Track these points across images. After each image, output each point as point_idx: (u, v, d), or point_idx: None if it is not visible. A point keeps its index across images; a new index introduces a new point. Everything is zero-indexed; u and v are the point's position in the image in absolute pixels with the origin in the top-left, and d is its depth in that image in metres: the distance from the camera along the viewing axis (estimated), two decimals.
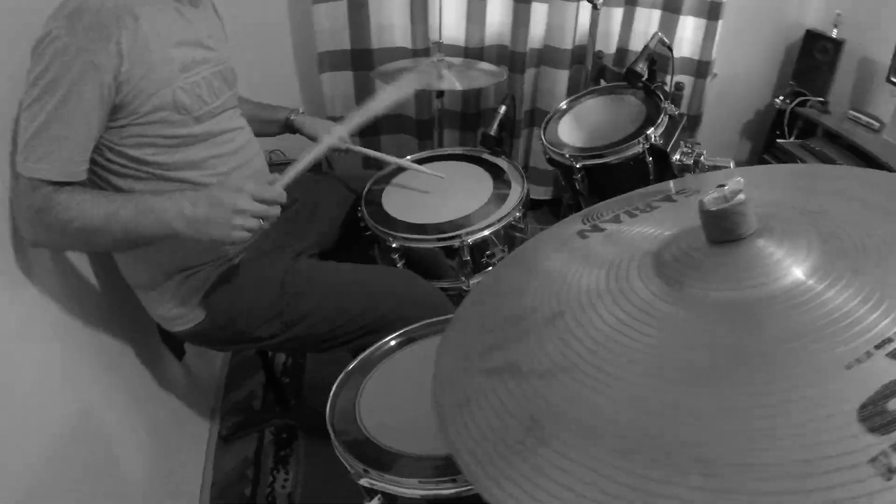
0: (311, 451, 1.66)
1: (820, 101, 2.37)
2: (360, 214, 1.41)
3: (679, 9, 2.21)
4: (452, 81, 1.62)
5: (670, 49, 1.36)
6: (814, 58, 2.38)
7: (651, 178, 1.27)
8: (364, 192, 1.46)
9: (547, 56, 2.24)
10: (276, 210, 1.00)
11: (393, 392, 0.93)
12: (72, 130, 0.93)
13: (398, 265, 1.31)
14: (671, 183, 0.76)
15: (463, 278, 1.34)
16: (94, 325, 1.18)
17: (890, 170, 2.00)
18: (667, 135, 1.20)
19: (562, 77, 2.25)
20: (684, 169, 1.20)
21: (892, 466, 0.33)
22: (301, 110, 1.48)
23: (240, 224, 0.95)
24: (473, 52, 2.18)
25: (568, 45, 2.18)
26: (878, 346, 0.40)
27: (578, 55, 2.26)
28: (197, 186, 1.07)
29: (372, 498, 0.79)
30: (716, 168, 1.18)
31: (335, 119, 2.17)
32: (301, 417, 1.69)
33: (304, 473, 1.57)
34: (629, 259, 0.58)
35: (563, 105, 1.48)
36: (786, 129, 2.44)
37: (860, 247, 0.50)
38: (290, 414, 1.70)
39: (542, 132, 1.42)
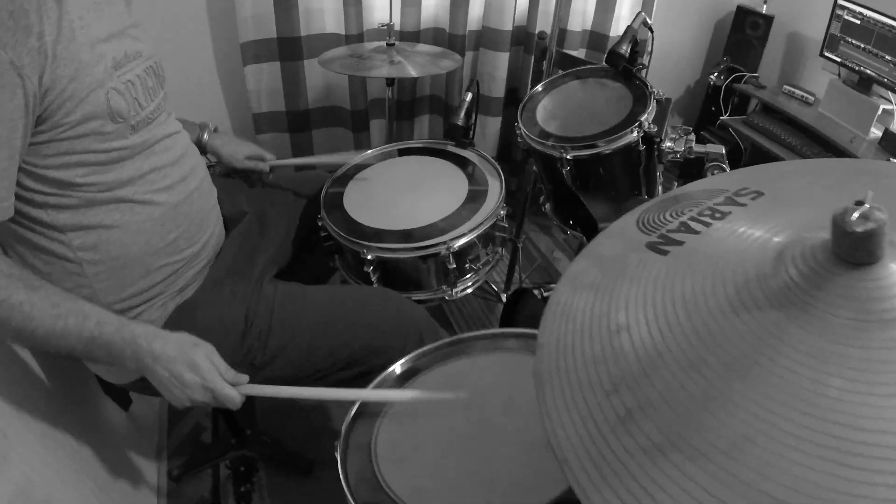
0: (275, 484, 1.55)
1: (754, 77, 2.45)
2: (320, 223, 1.26)
3: None
4: (406, 69, 1.48)
5: (651, 30, 1.31)
6: (745, 33, 2.44)
7: (641, 167, 1.22)
8: (322, 197, 1.30)
9: (486, 38, 2.16)
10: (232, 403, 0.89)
11: (416, 442, 0.79)
12: None
13: (372, 278, 1.18)
14: (712, 182, 0.69)
15: (445, 287, 1.23)
16: (23, 387, 1.00)
17: (830, 144, 2.10)
18: (657, 120, 1.15)
19: (502, 60, 2.17)
20: (675, 156, 1.16)
21: None
22: (213, 127, 1.31)
23: (194, 400, 0.87)
24: (409, 36, 2.07)
25: (508, 27, 2.11)
26: None
27: (518, 36, 2.21)
28: (134, 206, 0.92)
29: None
30: (706, 156, 1.14)
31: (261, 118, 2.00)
32: (259, 448, 1.54)
33: None
34: (739, 268, 0.50)
35: (539, 88, 1.39)
36: (721, 104, 2.50)
37: None
38: (247, 445, 1.54)
39: (518, 120, 1.32)
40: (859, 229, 0.43)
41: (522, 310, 1.40)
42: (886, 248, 0.45)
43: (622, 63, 1.23)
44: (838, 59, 2.20)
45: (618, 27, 2.28)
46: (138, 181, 0.93)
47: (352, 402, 0.84)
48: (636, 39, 1.22)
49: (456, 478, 0.73)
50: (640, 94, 1.24)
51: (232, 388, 0.87)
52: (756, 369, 0.44)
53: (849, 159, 0.70)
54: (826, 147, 2.13)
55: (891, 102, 2.09)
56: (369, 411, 0.84)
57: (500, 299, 1.94)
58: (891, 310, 0.43)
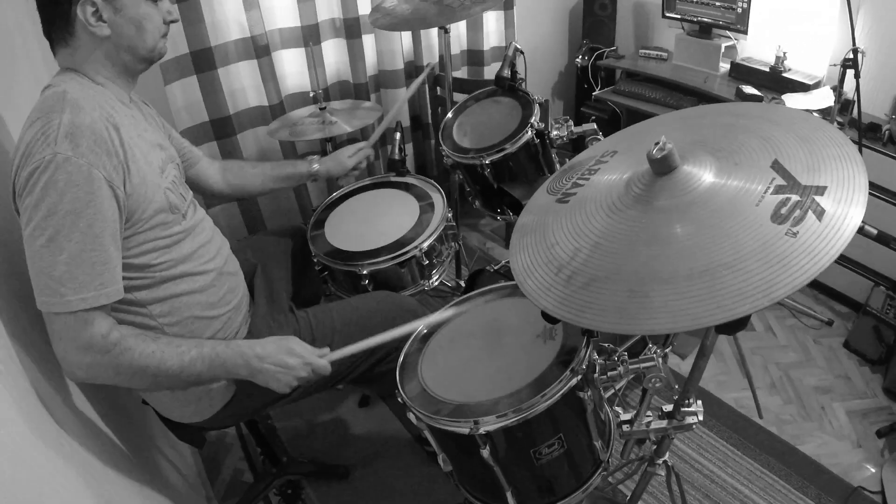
0: (322, 495, 1.82)
1: (613, 50, 2.90)
2: (315, 258, 1.61)
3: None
4: (342, 127, 1.86)
5: (522, 52, 1.76)
6: (596, 15, 2.91)
7: (540, 154, 1.65)
8: (310, 240, 1.65)
9: (384, 79, 2.55)
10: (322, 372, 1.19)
11: (448, 360, 1.17)
12: (106, 252, 0.97)
13: (368, 288, 1.54)
14: (588, 153, 1.12)
15: (422, 280, 1.61)
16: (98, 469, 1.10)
17: (688, 89, 2.58)
18: (542, 118, 1.59)
19: (401, 94, 2.55)
20: (562, 140, 1.60)
21: (794, 231, 0.69)
22: (317, 157, 1.64)
23: (300, 378, 1.15)
24: (320, 95, 2.41)
25: (400, 66, 2.50)
26: (765, 192, 0.77)
27: (409, 71, 2.60)
28: (194, 276, 1.18)
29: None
30: (584, 133, 1.59)
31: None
32: (298, 469, 1.81)
33: None
34: (607, 197, 0.92)
35: (450, 115, 1.81)
36: (592, 81, 2.96)
37: (732, 150, 0.88)
38: (287, 470, 1.81)
39: (441, 144, 1.74)
40: (658, 156, 0.85)
41: (478, 288, 1.78)
42: (677, 162, 0.86)
43: (507, 83, 1.67)
44: (679, 16, 2.67)
45: (489, 41, 2.72)
46: (193, 257, 1.18)
47: (409, 333, 1.23)
48: (513, 62, 1.66)
49: (474, 372, 1.12)
50: (526, 102, 1.68)
51: (321, 359, 1.18)
52: (629, 236, 0.83)
53: (668, 114, 1.09)
54: (686, 92, 2.59)
55: (730, 38, 2.59)
56: (413, 350, 1.21)
57: (460, 285, 2.33)
58: (680, 192, 0.84)
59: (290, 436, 1.97)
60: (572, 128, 1.61)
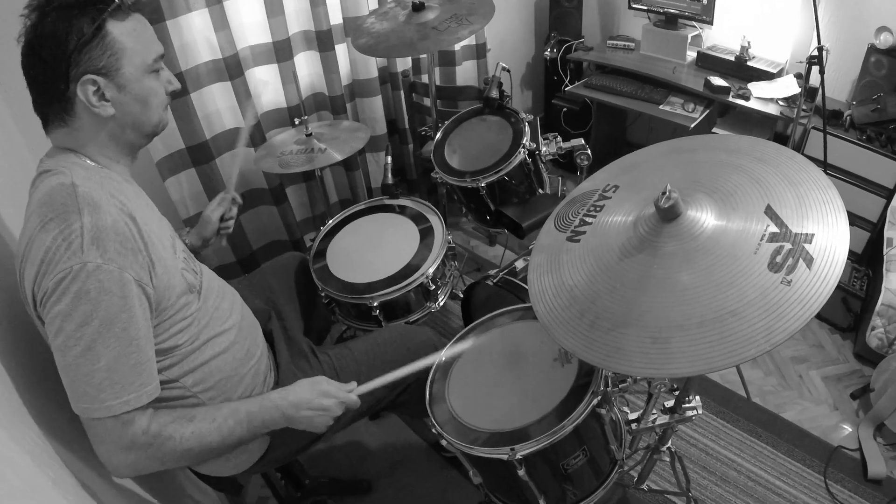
0: None
1: (580, 41, 2.99)
2: (322, 293, 1.70)
3: None
4: (332, 156, 1.92)
5: (508, 71, 1.85)
6: (562, 6, 3.00)
7: (532, 172, 1.77)
8: (315, 275, 1.73)
9: (358, 89, 2.60)
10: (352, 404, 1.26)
11: (471, 386, 1.31)
12: (143, 352, 0.98)
13: (380, 317, 1.65)
14: (589, 184, 1.24)
15: (429, 303, 1.72)
16: None
17: (659, 81, 2.69)
18: (532, 137, 1.70)
19: (377, 102, 2.63)
20: (552, 156, 1.72)
21: (787, 280, 0.84)
22: (186, 230, 1.58)
23: (335, 417, 1.22)
24: (295, 111, 2.44)
25: (374, 74, 2.56)
26: (761, 239, 0.91)
27: (383, 77, 2.67)
28: (217, 339, 1.20)
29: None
30: (572, 148, 1.71)
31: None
32: (322, 489, 1.91)
33: None
34: (616, 239, 1.04)
35: (439, 136, 1.90)
36: (561, 73, 3.05)
37: (728, 192, 1.00)
38: (311, 492, 1.89)
39: (435, 167, 1.83)
40: (665, 206, 0.97)
41: (475, 300, 1.92)
42: (682, 210, 0.99)
43: (496, 103, 1.77)
44: (644, 7, 2.78)
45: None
46: (213, 321, 1.19)
47: (427, 371, 1.34)
48: (500, 82, 1.76)
49: (500, 398, 1.25)
50: (515, 121, 1.78)
51: (350, 394, 1.25)
52: (642, 281, 0.96)
53: (659, 145, 1.21)
54: (655, 83, 2.71)
55: (696, 28, 2.70)
56: (438, 378, 1.33)
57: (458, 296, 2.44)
58: (686, 237, 0.98)
59: (307, 457, 2.05)
60: (560, 143, 1.73)
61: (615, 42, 2.96)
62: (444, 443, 1.23)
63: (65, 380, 0.95)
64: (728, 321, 0.84)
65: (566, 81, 3.03)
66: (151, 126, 1.11)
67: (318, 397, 1.20)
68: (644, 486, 1.64)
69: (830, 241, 0.87)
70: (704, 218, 0.97)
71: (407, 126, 2.82)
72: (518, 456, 1.13)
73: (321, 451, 2.09)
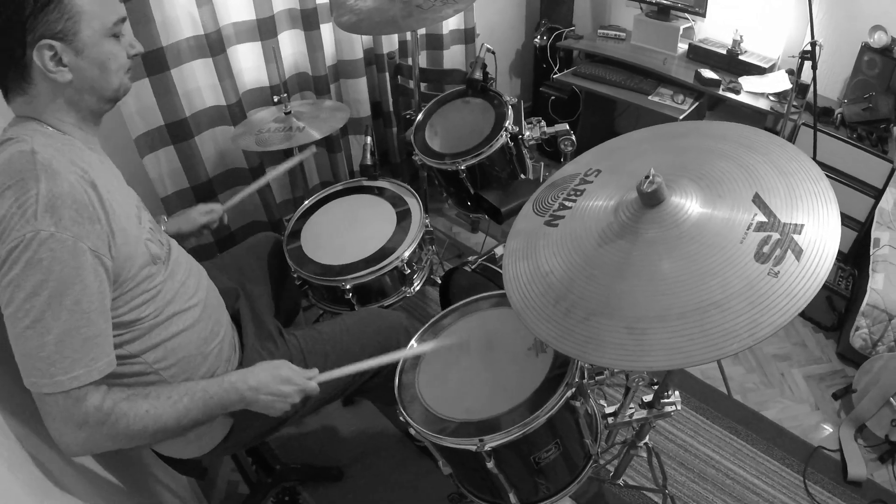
0: (319, 497, 1.89)
1: (571, 29, 2.95)
2: (295, 275, 1.64)
3: None
4: (310, 134, 1.85)
5: (493, 52, 1.79)
6: None
7: (514, 157, 1.71)
8: (287, 256, 1.68)
9: (343, 69, 2.54)
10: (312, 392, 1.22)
11: (443, 375, 1.26)
12: (95, 326, 0.95)
13: (353, 300, 1.59)
14: (571, 168, 1.18)
15: (404, 288, 1.67)
16: None
17: (648, 72, 2.65)
18: (515, 120, 1.64)
19: (361, 84, 2.57)
20: (535, 141, 1.66)
21: (774, 271, 0.79)
22: (164, 217, 1.55)
23: (294, 404, 1.19)
24: (277, 89, 2.37)
25: (359, 55, 2.51)
26: (748, 228, 0.86)
27: (368, 59, 2.61)
28: (182, 315, 1.17)
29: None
30: (556, 134, 1.65)
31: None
32: (293, 475, 1.87)
33: None
34: (597, 224, 0.99)
35: (420, 118, 1.84)
36: (550, 60, 3.01)
37: (715, 179, 0.95)
38: (282, 478, 1.86)
39: (414, 149, 1.77)
40: (648, 190, 0.92)
41: (454, 286, 1.87)
42: (666, 195, 0.94)
43: (479, 85, 1.71)
44: None
45: (448, 24, 2.73)
46: (178, 296, 1.16)
47: (395, 362, 1.29)
48: (484, 63, 1.70)
49: (471, 387, 1.21)
50: (498, 104, 1.72)
51: (310, 381, 1.21)
52: (621, 268, 0.91)
53: (647, 129, 1.16)
54: (645, 74, 2.67)
55: (688, 20, 2.68)
56: (408, 367, 1.29)
57: (435, 281, 2.39)
58: (669, 224, 0.93)
59: (279, 442, 2.02)
60: (545, 128, 1.67)
61: (606, 31, 2.93)
62: (412, 432, 1.18)
63: (16, 352, 0.92)
64: (710, 313, 0.80)
65: (555, 70, 2.99)
66: (111, 90, 1.07)
67: (278, 383, 1.17)
68: (620, 482, 1.60)
69: (821, 233, 0.82)
70: (689, 204, 0.92)
71: (391, 109, 2.77)
72: (487, 447, 1.08)
73: (293, 436, 2.06)
